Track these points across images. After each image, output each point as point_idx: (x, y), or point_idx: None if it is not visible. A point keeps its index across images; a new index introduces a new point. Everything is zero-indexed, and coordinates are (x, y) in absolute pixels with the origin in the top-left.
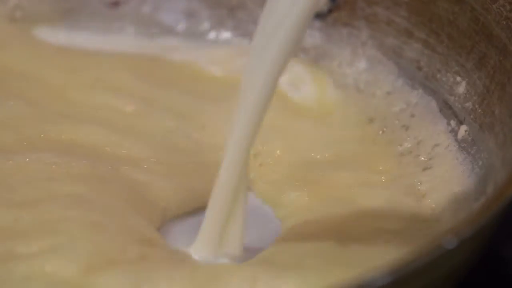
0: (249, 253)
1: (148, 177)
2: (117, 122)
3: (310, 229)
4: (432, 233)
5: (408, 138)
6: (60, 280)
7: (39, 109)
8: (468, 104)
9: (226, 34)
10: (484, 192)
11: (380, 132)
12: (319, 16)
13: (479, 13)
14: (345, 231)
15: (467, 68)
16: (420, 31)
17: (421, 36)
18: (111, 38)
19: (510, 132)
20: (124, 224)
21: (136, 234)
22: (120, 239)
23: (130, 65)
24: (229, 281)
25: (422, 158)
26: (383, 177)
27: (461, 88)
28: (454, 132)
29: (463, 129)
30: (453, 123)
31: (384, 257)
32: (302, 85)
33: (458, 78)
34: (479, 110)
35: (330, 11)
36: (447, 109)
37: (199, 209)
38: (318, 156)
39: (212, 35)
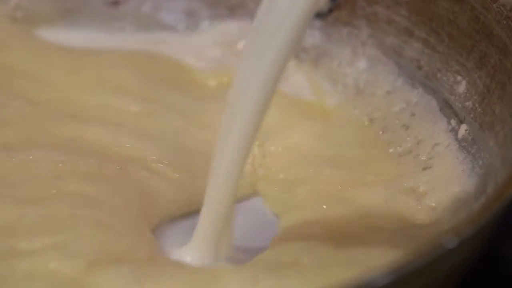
0: (248, 253)
1: (156, 178)
2: (123, 122)
3: (310, 229)
4: (432, 233)
5: (408, 138)
6: (63, 277)
7: (42, 109)
8: (468, 103)
9: None
10: (484, 192)
11: (380, 131)
12: (320, 15)
13: (479, 12)
14: (345, 230)
15: (467, 67)
16: (420, 30)
17: (421, 35)
18: (111, 37)
19: (510, 131)
20: (130, 224)
21: (142, 235)
22: (126, 239)
23: (131, 64)
24: (230, 282)
25: (422, 158)
26: (382, 177)
27: (461, 87)
28: (454, 131)
29: (463, 128)
30: (453, 122)
31: (383, 256)
32: (301, 85)
33: (459, 77)
34: (479, 109)
35: (330, 10)
36: (447, 108)
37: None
38: (317, 156)
39: None
